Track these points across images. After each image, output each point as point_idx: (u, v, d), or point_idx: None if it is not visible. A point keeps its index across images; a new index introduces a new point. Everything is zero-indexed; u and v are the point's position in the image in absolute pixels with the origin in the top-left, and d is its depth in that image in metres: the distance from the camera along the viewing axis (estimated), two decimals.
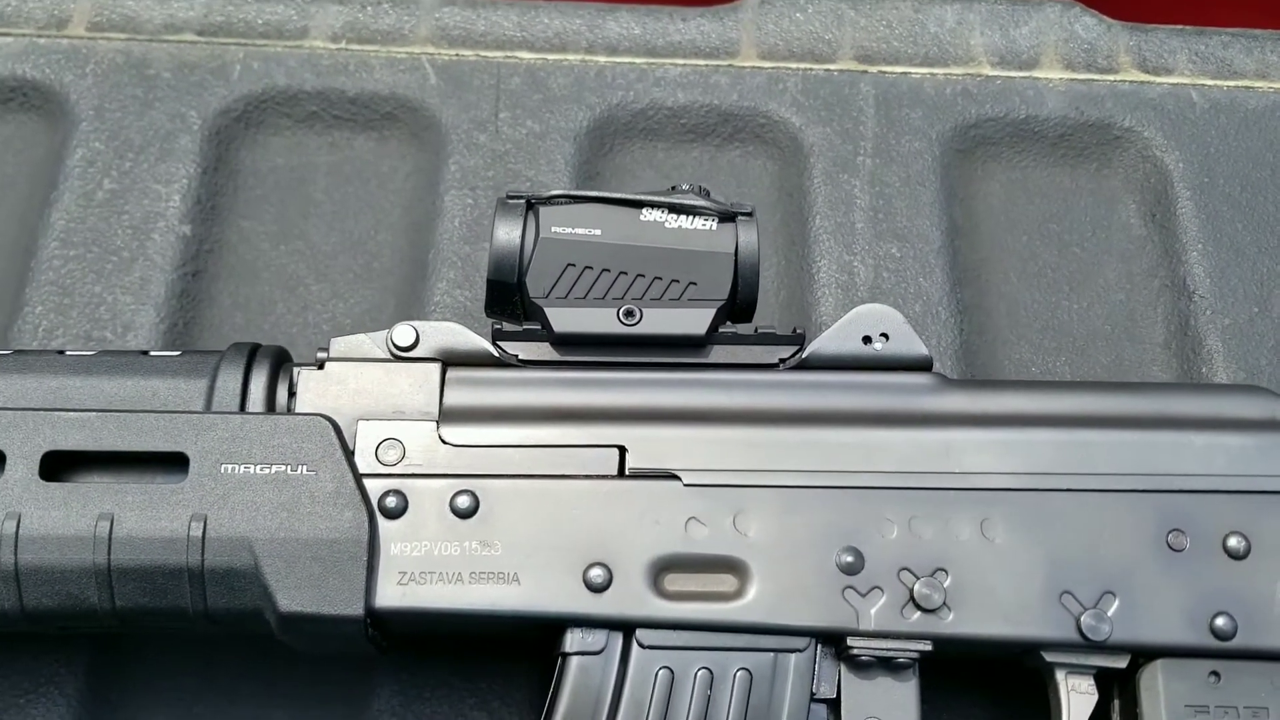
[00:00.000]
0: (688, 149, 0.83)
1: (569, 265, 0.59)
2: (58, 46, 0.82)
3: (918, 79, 0.86)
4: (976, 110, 0.84)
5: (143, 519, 0.53)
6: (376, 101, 0.82)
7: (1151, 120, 0.85)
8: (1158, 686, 0.57)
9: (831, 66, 0.86)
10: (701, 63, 0.85)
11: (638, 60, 0.85)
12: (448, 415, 0.58)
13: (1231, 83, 0.87)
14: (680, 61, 0.85)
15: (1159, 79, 0.87)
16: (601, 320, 0.59)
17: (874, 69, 0.86)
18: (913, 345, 0.61)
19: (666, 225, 0.60)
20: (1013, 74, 0.86)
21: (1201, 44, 0.89)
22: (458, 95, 0.82)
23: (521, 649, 0.61)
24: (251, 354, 0.58)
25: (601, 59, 0.85)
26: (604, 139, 0.82)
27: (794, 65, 0.86)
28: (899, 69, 0.86)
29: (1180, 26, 0.90)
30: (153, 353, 0.59)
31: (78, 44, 0.83)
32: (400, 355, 0.59)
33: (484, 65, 0.83)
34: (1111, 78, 0.87)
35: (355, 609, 0.53)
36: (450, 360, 0.59)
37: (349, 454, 0.56)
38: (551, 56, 0.85)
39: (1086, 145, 0.84)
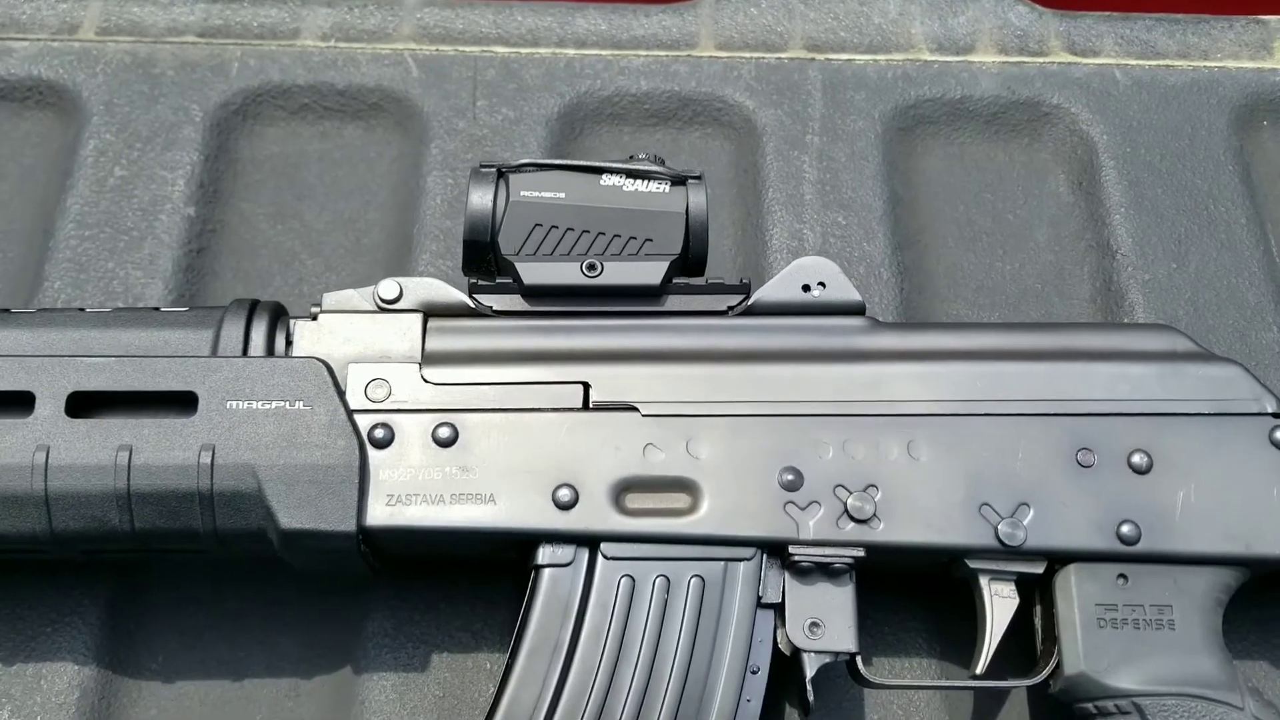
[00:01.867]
0: (651, 132, 0.89)
1: (536, 225, 0.64)
2: (70, 49, 0.89)
3: (862, 64, 0.92)
4: (915, 92, 0.90)
5: (158, 449, 0.59)
6: (364, 93, 0.87)
7: (1078, 97, 0.90)
8: (1071, 589, 0.62)
9: (782, 55, 0.92)
10: (663, 54, 0.91)
11: (604, 52, 0.91)
12: (429, 358, 0.64)
13: (1153, 62, 0.94)
14: (643, 53, 0.91)
15: (1086, 60, 0.93)
16: (567, 273, 0.64)
17: (821, 56, 0.92)
18: (847, 292, 0.67)
19: (624, 189, 0.66)
20: (949, 59, 0.93)
21: (1127, 28, 0.95)
22: (438, 86, 0.87)
23: (499, 570, 0.67)
24: (252, 307, 0.65)
25: (571, 52, 0.91)
26: (574, 124, 0.88)
27: (748, 55, 0.92)
28: (845, 56, 0.93)
29: (1108, 13, 0.97)
30: (163, 308, 0.66)
31: (88, 46, 0.89)
32: (386, 307, 0.65)
33: (462, 59, 0.89)
34: (1041, 60, 0.93)
35: (348, 525, 0.59)
36: (431, 311, 0.65)
37: (340, 392, 0.62)
38: (524, 50, 0.91)
39: (1018, 122, 0.90)
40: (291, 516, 0.59)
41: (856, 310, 0.67)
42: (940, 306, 0.83)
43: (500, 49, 0.91)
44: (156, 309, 0.65)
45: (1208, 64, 0.94)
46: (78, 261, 0.80)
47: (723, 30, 0.93)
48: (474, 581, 0.69)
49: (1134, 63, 0.94)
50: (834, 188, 0.86)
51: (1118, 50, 0.95)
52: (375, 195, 0.85)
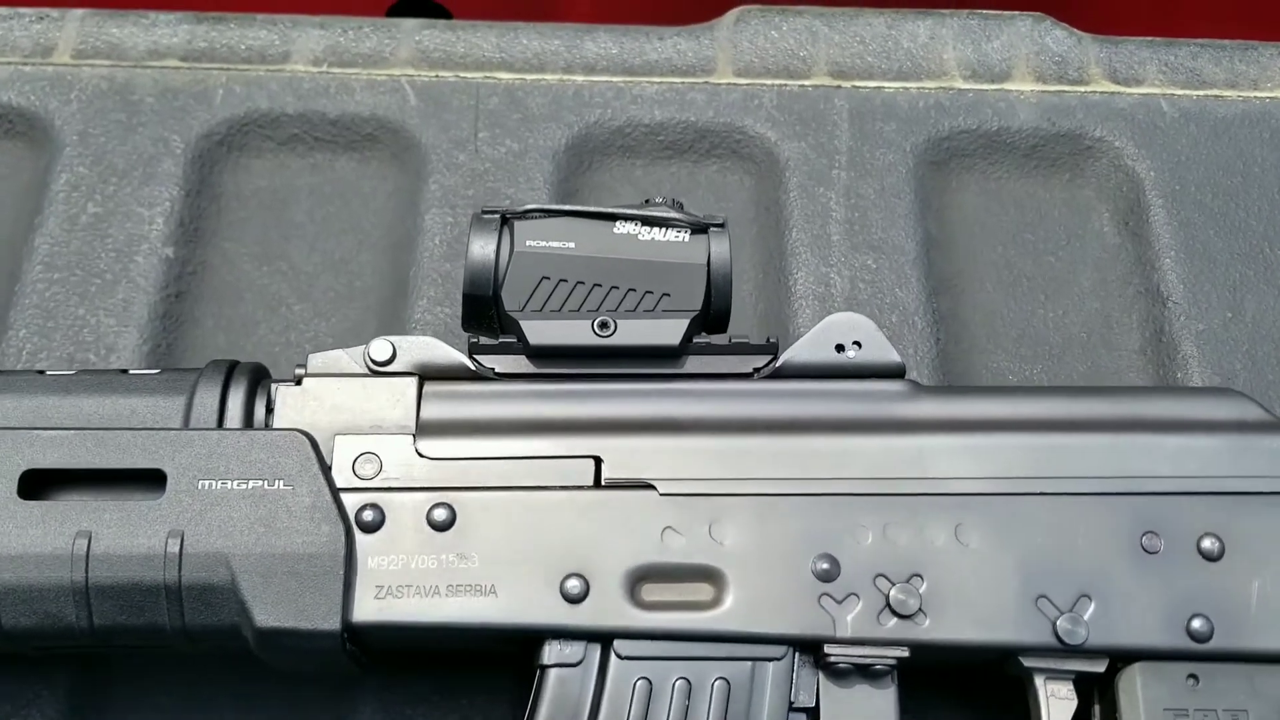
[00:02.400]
0: (665, 165, 0.84)
1: (544, 278, 0.59)
2: (43, 74, 0.83)
3: (891, 93, 0.87)
4: (950, 122, 0.85)
5: (120, 536, 0.53)
6: (357, 123, 0.82)
7: (1123, 130, 0.85)
8: (1136, 690, 0.57)
9: (806, 82, 0.87)
10: (678, 80, 0.86)
11: (615, 79, 0.85)
12: (424, 429, 0.58)
13: (1201, 92, 0.88)
14: (657, 80, 0.86)
15: (1129, 89, 0.88)
16: (576, 332, 0.59)
17: (848, 84, 0.87)
18: (885, 352, 0.61)
19: (640, 237, 0.60)
20: (985, 86, 0.87)
21: (1171, 55, 0.90)
22: (437, 116, 0.82)
23: (502, 663, 0.60)
24: (229, 371, 0.59)
25: (579, 78, 0.86)
26: (582, 156, 0.83)
27: (769, 81, 0.86)
28: (873, 83, 0.87)
29: (1150, 38, 0.91)
30: (132, 371, 0.60)
31: (62, 71, 0.83)
32: (377, 370, 0.60)
33: (463, 86, 0.84)
34: (1082, 89, 0.88)
35: (332, 623, 0.53)
36: (427, 374, 0.60)
37: (326, 469, 0.56)
38: (530, 76, 0.86)
39: (1059, 155, 0.85)
40: (269, 614, 0.53)
41: (896, 373, 0.61)
42: (979, 358, 0.77)
43: (504, 75, 0.86)
44: (124, 372, 0.60)
45: (1258, 94, 0.88)
46: (45, 308, 0.74)
47: (742, 55, 0.88)
48: (473, 671, 0.63)
49: (1180, 92, 0.89)
50: (863, 227, 0.80)
51: (1162, 79, 0.89)
52: (369, 235, 0.80)
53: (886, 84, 0.87)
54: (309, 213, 0.80)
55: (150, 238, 0.77)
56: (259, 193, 0.81)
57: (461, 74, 0.85)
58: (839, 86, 0.87)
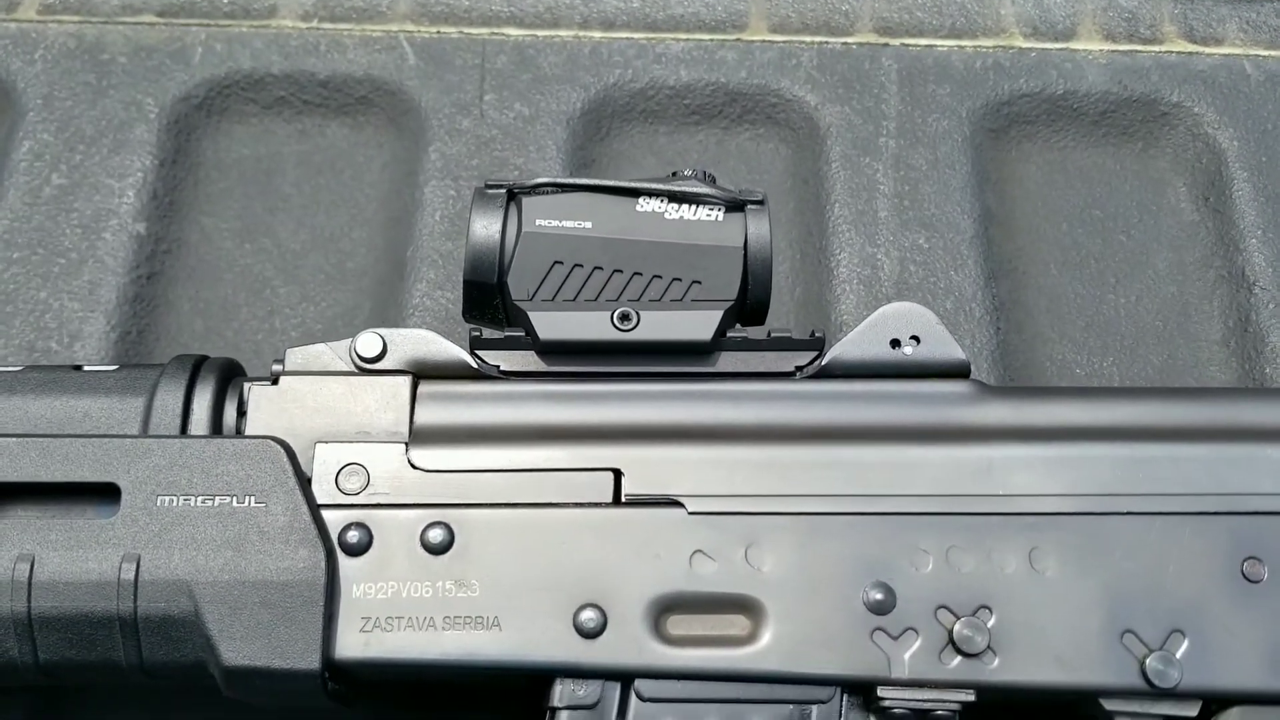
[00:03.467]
0: (692, 132, 0.77)
1: (556, 263, 0.53)
2: (5, 31, 0.77)
3: (944, 52, 0.79)
4: (1010, 85, 0.78)
5: (67, 560, 0.47)
6: (350, 84, 0.76)
7: (1202, 95, 0.79)
8: None
9: (849, 39, 0.79)
10: (706, 37, 0.79)
11: (636, 35, 0.79)
12: (419, 436, 0.51)
13: None
14: (683, 36, 0.79)
15: (1208, 50, 0.81)
16: (593, 325, 0.53)
17: (896, 41, 0.79)
18: (947, 349, 0.55)
19: (666, 216, 0.54)
20: (1048, 45, 0.80)
21: (1252, 11, 0.83)
22: (439, 76, 0.76)
23: (507, 703, 0.54)
24: (195, 368, 0.52)
25: (596, 34, 0.79)
26: (600, 122, 0.77)
27: (808, 39, 0.79)
28: (923, 41, 0.79)
29: None
30: (86, 368, 0.53)
31: (26, 28, 0.77)
32: (365, 368, 0.53)
33: (467, 43, 0.78)
34: (1156, 48, 0.80)
35: (311, 662, 0.47)
36: (422, 373, 0.53)
37: (304, 482, 0.49)
38: (541, 33, 0.79)
39: (1131, 123, 0.78)
40: (237, 651, 0.46)
41: (960, 372, 0.55)
42: (1042, 350, 0.71)
43: (513, 31, 0.78)
44: (77, 368, 0.53)
45: None
46: (3, 291, 0.69)
47: (777, 9, 0.81)
48: (475, 710, 0.57)
49: (1265, 53, 0.81)
50: (914, 202, 0.73)
51: (1244, 38, 0.81)
52: (362, 209, 0.74)
53: (939, 42, 0.79)
54: (296, 184, 0.74)
55: (120, 212, 0.71)
56: (241, 162, 0.75)
57: (466, 30, 0.79)
58: (886, 45, 0.79)
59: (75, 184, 0.71)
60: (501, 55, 0.77)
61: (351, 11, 0.78)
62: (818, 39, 0.79)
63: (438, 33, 0.78)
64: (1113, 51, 0.80)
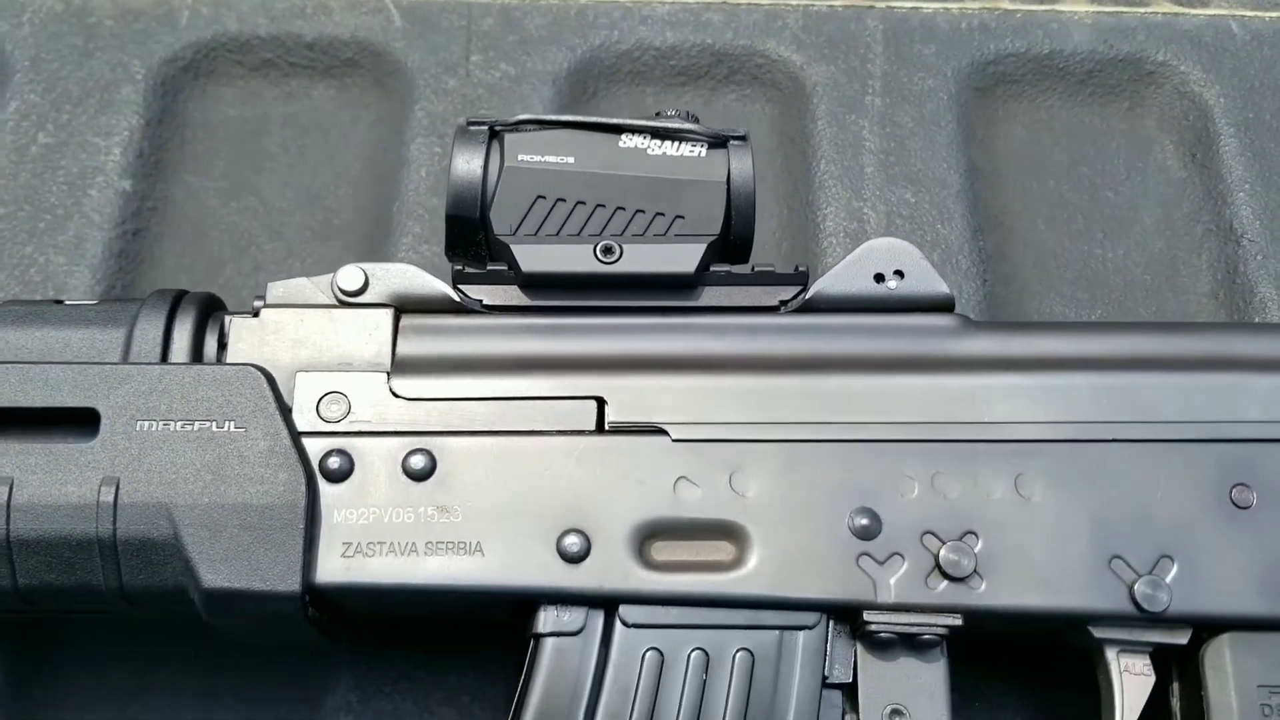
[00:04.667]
0: (678, 92, 0.77)
1: (538, 198, 0.53)
2: None
3: (930, 13, 0.79)
4: (995, 45, 0.78)
5: (46, 483, 0.47)
6: (336, 46, 0.76)
7: (1188, 54, 0.78)
8: (1225, 664, 0.50)
9: (834, 2, 0.79)
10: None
11: None
12: (401, 366, 0.51)
13: (1274, 13, 0.81)
14: None
15: (1195, 10, 0.81)
16: (576, 258, 0.52)
17: (881, 4, 0.79)
18: (932, 283, 0.54)
19: (649, 152, 0.54)
20: (1034, 6, 0.80)
21: None
22: (425, 37, 0.76)
23: (492, 632, 0.53)
24: (176, 301, 0.52)
25: None
26: (586, 83, 0.76)
27: (794, 1, 0.79)
28: (909, 2, 0.79)
29: None
30: (68, 302, 0.53)
31: None
32: (347, 301, 0.53)
33: (453, 5, 0.78)
34: (1143, 9, 0.81)
35: (291, 584, 0.46)
36: (404, 306, 0.53)
37: (285, 409, 0.49)
38: None
39: (1117, 82, 0.78)
40: (217, 573, 0.46)
41: (944, 306, 0.54)
42: (1030, 302, 0.70)
43: None
44: (58, 303, 0.52)
45: None
46: None
47: None
48: (461, 643, 0.56)
49: (1251, 13, 0.81)
50: (900, 159, 0.73)
51: (1230, 0, 0.81)
52: (348, 167, 0.74)
53: (924, 3, 0.79)
54: (282, 144, 0.74)
55: (106, 169, 0.71)
56: (228, 122, 0.75)
57: None
58: (871, 6, 0.79)
59: (62, 142, 0.71)
60: (488, 18, 0.77)
61: None
62: (804, 1, 0.79)
63: None
64: (1099, 12, 0.80)
